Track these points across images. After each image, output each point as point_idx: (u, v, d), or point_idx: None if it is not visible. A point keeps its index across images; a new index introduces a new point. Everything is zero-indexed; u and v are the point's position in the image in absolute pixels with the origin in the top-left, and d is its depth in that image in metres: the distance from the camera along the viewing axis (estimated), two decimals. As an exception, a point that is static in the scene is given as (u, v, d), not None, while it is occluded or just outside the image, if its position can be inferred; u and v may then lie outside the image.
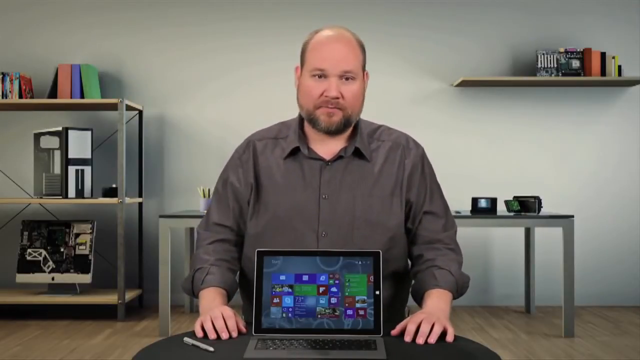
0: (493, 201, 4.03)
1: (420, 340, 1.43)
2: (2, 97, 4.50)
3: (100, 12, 4.83)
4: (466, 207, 4.29)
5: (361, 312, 1.49)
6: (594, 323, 4.22)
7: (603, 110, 4.83)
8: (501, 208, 4.23)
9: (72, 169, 4.35)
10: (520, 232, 4.69)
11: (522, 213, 4.03)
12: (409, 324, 1.47)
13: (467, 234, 4.56)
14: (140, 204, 4.74)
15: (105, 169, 4.72)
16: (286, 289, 1.51)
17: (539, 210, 4.00)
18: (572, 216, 3.88)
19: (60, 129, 4.37)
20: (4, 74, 4.52)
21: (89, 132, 4.44)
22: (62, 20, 4.83)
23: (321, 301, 1.50)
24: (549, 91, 4.83)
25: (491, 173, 4.81)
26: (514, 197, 4.14)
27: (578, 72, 4.64)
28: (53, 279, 4.39)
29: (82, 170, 4.40)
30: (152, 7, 4.84)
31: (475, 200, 4.05)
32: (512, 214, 4.01)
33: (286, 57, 4.49)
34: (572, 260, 3.83)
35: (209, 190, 4.15)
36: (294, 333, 1.47)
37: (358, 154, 1.73)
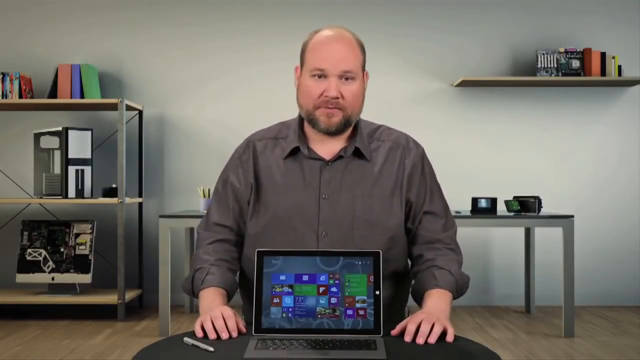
0: (493, 201, 4.03)
1: (420, 340, 1.43)
2: (2, 97, 4.50)
3: (100, 12, 4.83)
4: (466, 207, 4.29)
5: (361, 312, 1.49)
6: (594, 323, 4.22)
7: (603, 110, 4.83)
8: (501, 208, 4.23)
9: (72, 169, 4.35)
10: (520, 232, 4.69)
11: (522, 213, 4.03)
12: (409, 324, 1.47)
13: (467, 234, 4.57)
14: (140, 204, 4.74)
15: (105, 169, 4.72)
16: (286, 289, 1.51)
17: (539, 210, 4.00)
18: (572, 216, 3.88)
19: (60, 129, 4.37)
20: (4, 74, 4.52)
21: (89, 132, 4.44)
22: (62, 20, 4.83)
23: (321, 301, 1.50)
24: (549, 91, 4.83)
25: (491, 173, 4.81)
26: (514, 197, 4.14)
27: (578, 72, 4.64)
28: (53, 279, 4.39)
29: (82, 170, 4.40)
30: (152, 7, 4.84)
31: (475, 200, 4.05)
32: (512, 214, 4.01)
33: (286, 57, 4.49)
34: (572, 260, 3.83)
35: (209, 190, 4.15)
36: (294, 333, 1.47)
37: (358, 154, 1.73)
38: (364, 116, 1.78)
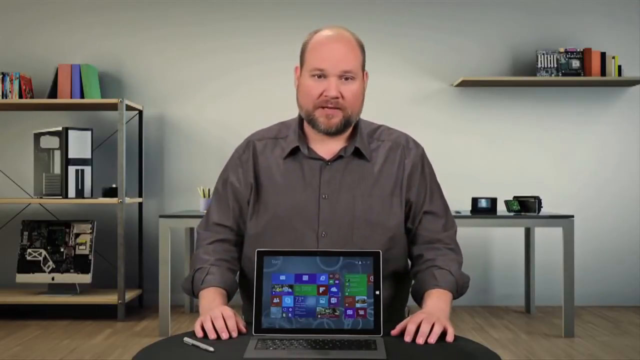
0: (493, 201, 4.03)
1: (420, 340, 1.43)
2: (2, 97, 4.50)
3: (100, 12, 4.83)
4: (466, 207, 4.29)
5: (361, 312, 1.49)
6: (594, 323, 4.22)
7: (603, 110, 4.83)
8: (501, 208, 4.23)
9: (72, 169, 4.35)
10: (520, 232, 4.69)
11: (522, 213, 4.03)
12: (409, 324, 1.47)
13: (467, 234, 4.57)
14: (140, 204, 4.74)
15: (105, 169, 4.72)
16: (286, 289, 1.51)
17: (539, 210, 4.00)
18: (572, 216, 3.88)
19: (60, 129, 4.37)
20: (4, 74, 4.52)
21: (89, 132, 4.44)
22: (62, 20, 4.83)
23: (321, 301, 1.50)
24: (549, 91, 4.83)
25: (491, 173, 4.81)
26: (514, 197, 4.14)
27: (578, 72, 4.64)
28: (53, 279, 4.39)
29: (82, 170, 4.40)
30: (152, 7, 4.84)
31: (475, 200, 4.05)
32: (512, 214, 4.01)
33: (286, 57, 4.49)
34: (572, 260, 3.83)
35: (209, 190, 4.15)
36: (294, 333, 1.47)
37: (358, 153, 1.73)
38: (364, 116, 1.78)
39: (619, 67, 4.63)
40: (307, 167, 1.73)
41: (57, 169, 4.38)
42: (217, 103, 4.83)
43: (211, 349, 1.38)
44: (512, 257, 4.80)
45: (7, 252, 4.70)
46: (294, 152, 1.74)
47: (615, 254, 4.82)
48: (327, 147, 1.73)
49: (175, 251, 4.58)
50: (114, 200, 4.35)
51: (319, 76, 1.66)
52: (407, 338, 1.45)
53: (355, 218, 1.69)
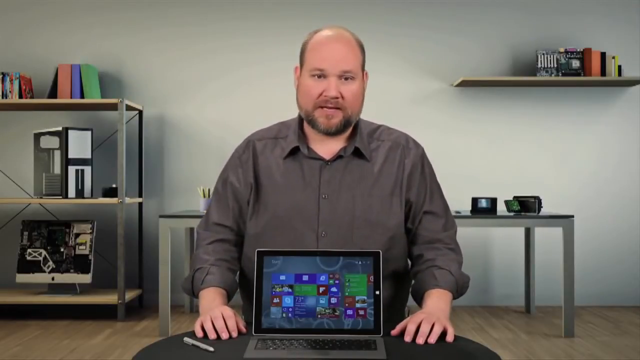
0: (493, 201, 4.03)
1: (420, 340, 1.43)
2: (2, 97, 4.50)
3: (100, 12, 4.83)
4: (466, 207, 4.29)
5: (361, 312, 1.49)
6: (594, 323, 4.22)
7: (603, 110, 4.83)
8: (501, 208, 4.23)
9: (72, 169, 4.35)
10: (520, 232, 4.69)
11: (522, 213, 4.03)
12: (409, 324, 1.46)
13: (467, 234, 4.57)
14: (140, 204, 4.74)
15: (105, 169, 4.72)
16: (286, 289, 1.51)
17: (539, 210, 4.00)
18: (572, 216, 3.88)
19: (60, 129, 4.37)
20: (4, 74, 4.52)
21: (89, 132, 4.44)
22: (62, 20, 4.83)
23: (321, 301, 1.50)
24: (549, 91, 4.83)
25: (491, 173, 4.81)
26: (514, 197, 4.14)
27: (578, 72, 4.64)
28: (53, 279, 4.39)
29: (82, 170, 4.40)
30: (152, 7, 4.84)
31: (475, 200, 4.05)
32: (512, 214, 4.01)
33: (286, 57, 4.49)
34: (572, 260, 3.83)
35: (209, 190, 4.15)
36: (294, 333, 1.47)
37: (358, 153, 1.73)
38: (364, 116, 1.78)
39: (619, 67, 4.63)
40: (307, 167, 1.73)
41: (57, 169, 4.38)
42: (217, 103, 4.83)
43: (211, 349, 1.38)
44: (512, 257, 4.80)
45: (7, 252, 4.70)
46: (294, 152, 1.74)
47: (615, 254, 4.82)
48: (327, 147, 1.73)
49: (175, 251, 4.58)
50: (114, 200, 4.35)
51: (319, 76, 1.66)
52: (407, 338, 1.45)
53: (355, 218, 1.69)
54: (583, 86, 4.78)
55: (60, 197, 4.35)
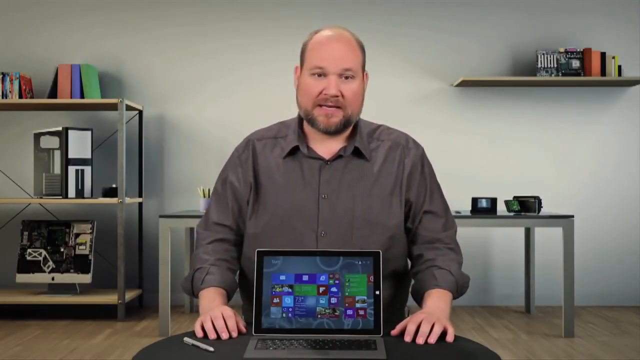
0: (493, 201, 4.03)
1: (420, 340, 1.43)
2: (2, 97, 4.50)
3: (100, 12, 4.83)
4: (466, 207, 4.29)
5: (361, 312, 1.49)
6: (594, 323, 4.22)
7: (603, 110, 4.83)
8: (501, 208, 4.23)
9: (72, 169, 4.35)
10: (520, 232, 4.69)
11: (522, 213, 4.03)
12: (409, 324, 1.46)
13: (467, 234, 4.56)
14: (140, 204, 4.74)
15: (105, 169, 4.72)
16: (286, 289, 1.51)
17: (539, 210, 4.00)
18: (572, 216, 3.88)
19: (60, 129, 4.37)
20: (4, 74, 4.52)
21: (89, 132, 4.44)
22: (62, 20, 4.83)
23: (321, 301, 1.50)
24: (549, 91, 4.83)
25: (491, 173, 4.81)
26: (514, 197, 4.14)
27: (578, 72, 4.64)
28: (53, 279, 4.39)
29: (82, 170, 4.40)
30: (152, 7, 4.84)
31: (475, 200, 4.05)
32: (512, 214, 4.01)
33: (286, 57, 4.49)
34: (572, 260, 3.83)
35: (209, 190, 4.15)
36: (294, 333, 1.47)
37: (357, 153, 1.73)
38: (364, 116, 1.78)
39: (619, 67, 4.63)
40: (306, 166, 1.73)
41: (57, 169, 4.38)
42: (217, 103, 4.83)
43: (211, 349, 1.38)
44: (512, 257, 4.80)
45: (7, 252, 4.70)
46: (294, 151, 1.74)
47: (615, 254, 4.82)
48: (326, 147, 1.73)
49: (175, 251, 4.58)
50: (114, 200, 4.35)
51: (319, 75, 1.66)
52: (407, 338, 1.45)
53: (355, 218, 1.69)
54: (583, 86, 4.78)
55: (60, 197, 4.35)
